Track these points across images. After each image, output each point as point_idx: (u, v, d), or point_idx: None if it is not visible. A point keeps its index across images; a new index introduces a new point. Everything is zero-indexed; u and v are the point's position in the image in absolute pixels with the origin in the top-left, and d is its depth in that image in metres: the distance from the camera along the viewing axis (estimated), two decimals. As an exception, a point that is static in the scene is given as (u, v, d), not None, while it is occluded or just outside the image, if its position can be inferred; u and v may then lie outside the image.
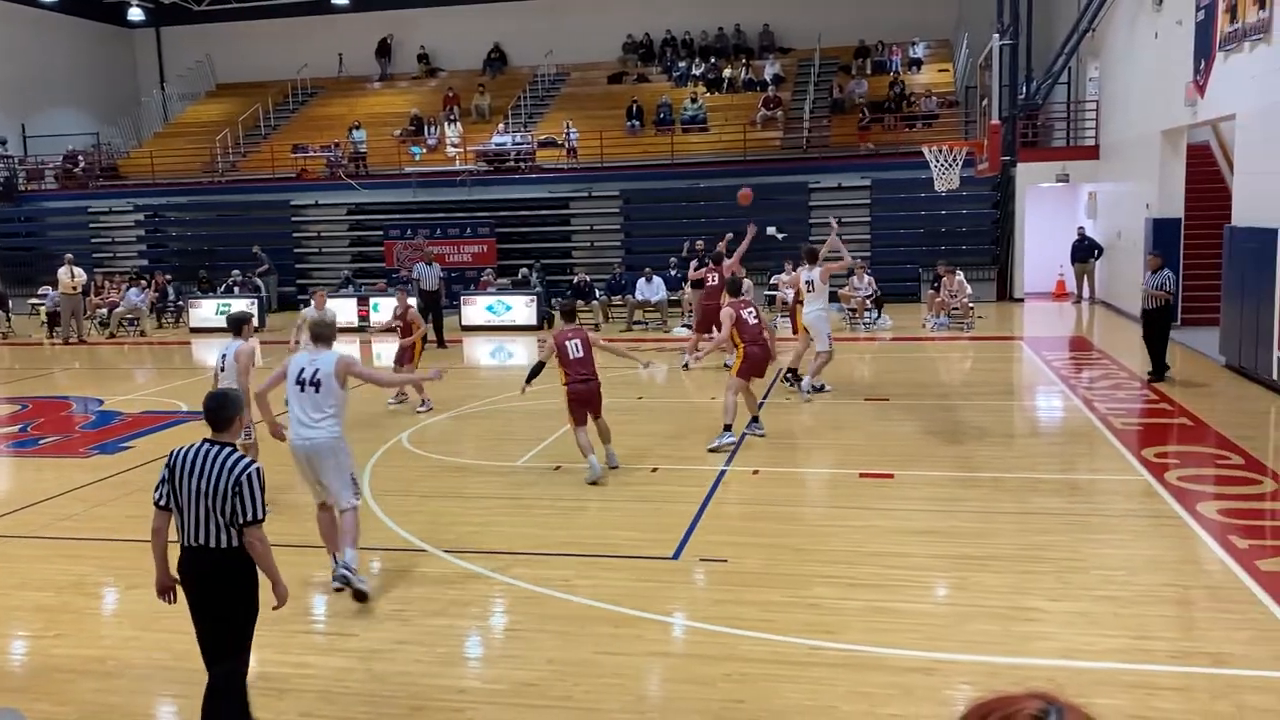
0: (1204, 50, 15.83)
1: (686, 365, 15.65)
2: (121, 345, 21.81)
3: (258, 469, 4.73)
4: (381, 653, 6.08)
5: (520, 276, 23.61)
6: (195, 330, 23.19)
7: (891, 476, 9.54)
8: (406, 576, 7.41)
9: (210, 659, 4.86)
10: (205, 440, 4.81)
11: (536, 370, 10.18)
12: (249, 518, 4.65)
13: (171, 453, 4.83)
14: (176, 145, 30.88)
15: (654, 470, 9.98)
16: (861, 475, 9.62)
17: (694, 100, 28.03)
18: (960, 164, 16.20)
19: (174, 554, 4.89)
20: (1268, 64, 13.34)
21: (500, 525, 8.54)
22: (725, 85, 29.24)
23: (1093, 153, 23.47)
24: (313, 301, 12.27)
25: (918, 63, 29.12)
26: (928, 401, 12.88)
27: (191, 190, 29.09)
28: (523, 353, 18.78)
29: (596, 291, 22.06)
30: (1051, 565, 7.11)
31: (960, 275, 20.29)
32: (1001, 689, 1.61)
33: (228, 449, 4.75)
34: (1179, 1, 17.01)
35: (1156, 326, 13.40)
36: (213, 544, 4.69)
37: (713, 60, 30.37)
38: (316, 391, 6.86)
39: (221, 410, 4.83)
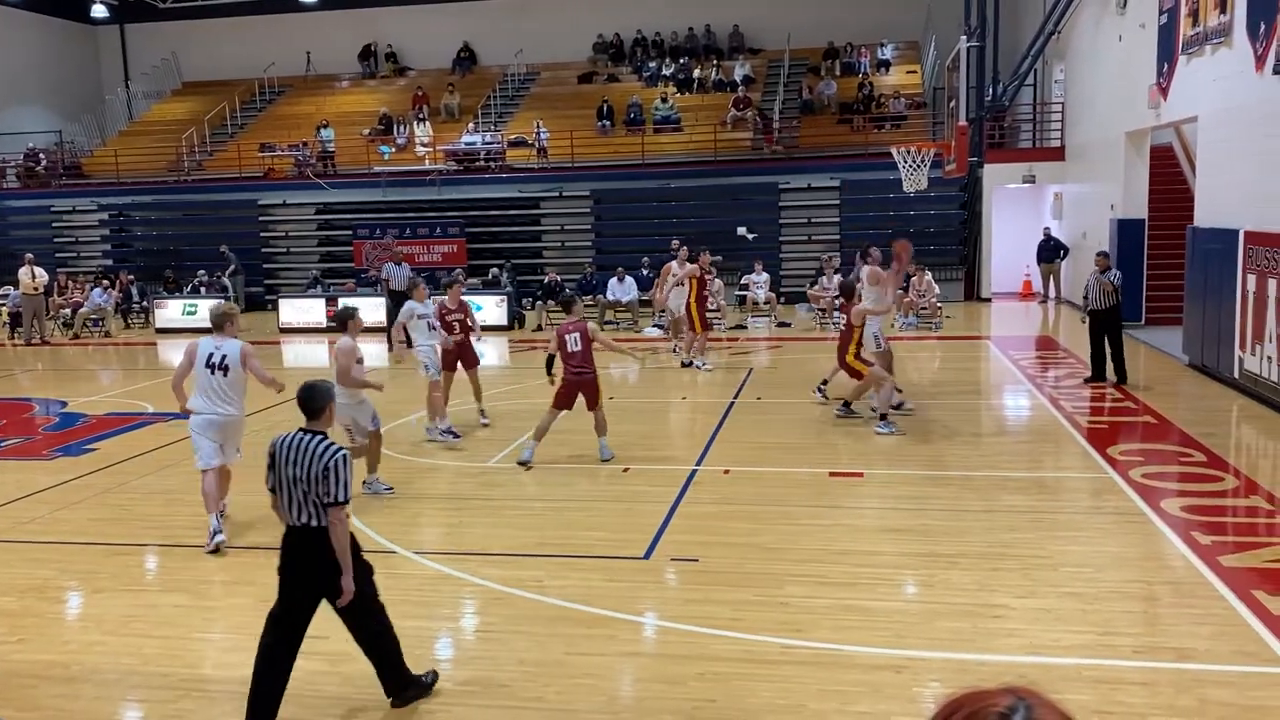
0: (1167, 53, 16.05)
1: (692, 364, 15.71)
2: (86, 346, 21.53)
3: (345, 455, 5.12)
4: (352, 655, 6.01)
5: (490, 276, 23.55)
6: (161, 331, 22.93)
7: (861, 475, 9.60)
8: (376, 578, 7.35)
9: (288, 634, 5.22)
10: (300, 429, 5.21)
11: (549, 363, 10.92)
12: (333, 499, 5.03)
13: (272, 442, 5.24)
14: (141, 144, 30.52)
15: (625, 470, 9.99)
16: (831, 474, 9.67)
17: (665, 100, 28.06)
18: (928, 165, 16.35)
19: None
20: (1229, 67, 13.54)
21: (471, 526, 8.52)
22: (695, 85, 29.29)
23: (1058, 154, 23.73)
24: (413, 294, 11.76)
25: (886, 64, 29.31)
26: (897, 400, 12.94)
27: (157, 189, 28.77)
28: (492, 353, 18.70)
29: (567, 291, 22.03)
30: (1019, 562, 7.19)
31: (929, 275, 20.45)
32: (975, 684, 1.62)
33: (319, 437, 5.15)
34: (1142, 5, 17.24)
35: (1107, 327, 13.34)
36: (314, 523, 5.09)
37: (683, 60, 30.42)
38: (225, 375, 7.96)
39: (311, 400, 5.25)
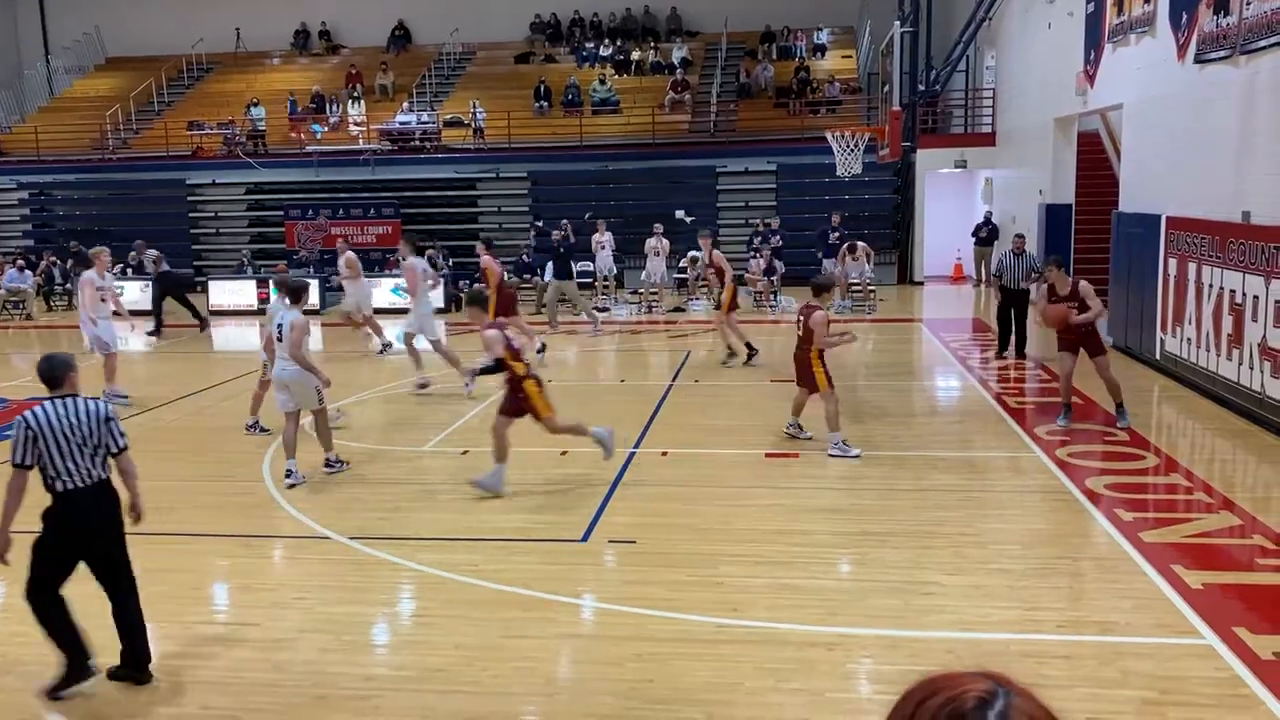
0: (1093, 41, 16.38)
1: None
2: (5, 329, 20.88)
3: (110, 406, 5.65)
4: (284, 642, 5.97)
5: (426, 258, 23.23)
6: (85, 313, 22.29)
7: (796, 456, 9.71)
8: (310, 564, 7.29)
9: (56, 584, 5.43)
10: (52, 398, 5.46)
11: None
12: (120, 446, 5.53)
13: (23, 421, 5.35)
14: (63, 121, 29.58)
15: (563, 454, 9.98)
16: (767, 455, 9.77)
17: (602, 82, 27.94)
18: (862, 149, 16.52)
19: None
20: (1152, 56, 13.87)
21: (407, 511, 8.45)
22: (633, 68, 29.21)
23: (989, 139, 24.12)
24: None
25: (822, 49, 29.51)
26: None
27: (80, 168, 27.91)
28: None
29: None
30: (948, 540, 7.34)
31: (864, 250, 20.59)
32: (947, 665, 1.56)
33: (79, 397, 5.53)
34: (1070, -7, 17.56)
35: (1017, 304, 14.27)
36: (94, 480, 5.41)
37: (620, 42, 30.30)
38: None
39: (53, 371, 5.54)
